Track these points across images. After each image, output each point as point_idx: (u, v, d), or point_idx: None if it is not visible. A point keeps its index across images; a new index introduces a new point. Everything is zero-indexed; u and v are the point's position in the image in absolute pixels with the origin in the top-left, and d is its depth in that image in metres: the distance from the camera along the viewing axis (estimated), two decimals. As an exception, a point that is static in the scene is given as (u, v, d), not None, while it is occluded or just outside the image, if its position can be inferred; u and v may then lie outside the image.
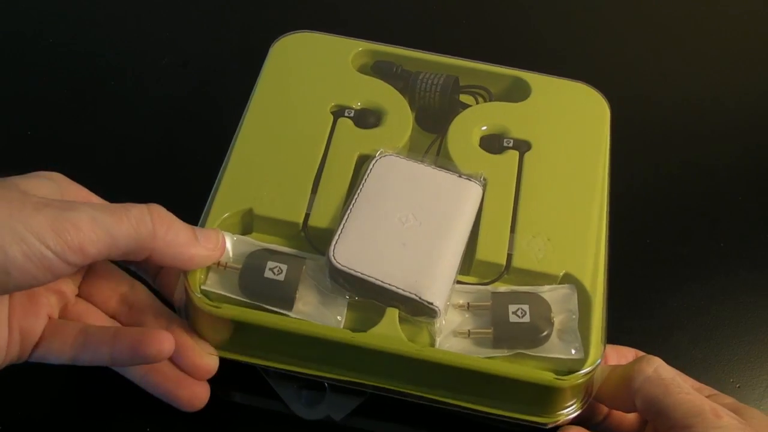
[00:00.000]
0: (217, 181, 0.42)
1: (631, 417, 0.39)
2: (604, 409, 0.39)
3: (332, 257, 0.38)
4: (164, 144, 0.55)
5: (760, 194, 0.53)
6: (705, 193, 0.53)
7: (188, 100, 0.58)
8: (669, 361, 0.40)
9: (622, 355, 0.40)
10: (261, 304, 0.37)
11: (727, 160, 0.54)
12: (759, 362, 0.45)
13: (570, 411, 0.38)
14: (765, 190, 0.53)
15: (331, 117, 0.45)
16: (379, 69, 0.49)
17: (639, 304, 0.45)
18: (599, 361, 0.37)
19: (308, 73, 0.47)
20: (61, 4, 0.64)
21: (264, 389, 0.40)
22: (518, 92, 0.48)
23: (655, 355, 0.37)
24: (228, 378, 0.38)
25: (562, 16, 0.66)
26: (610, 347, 0.40)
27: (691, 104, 0.57)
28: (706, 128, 0.56)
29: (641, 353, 0.40)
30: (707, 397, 0.36)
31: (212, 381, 0.38)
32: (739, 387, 0.45)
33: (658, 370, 0.35)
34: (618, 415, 0.39)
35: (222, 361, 0.38)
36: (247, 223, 0.41)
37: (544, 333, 0.37)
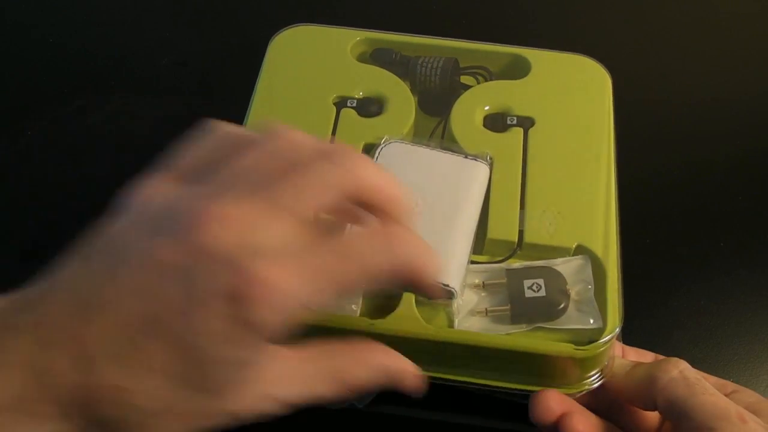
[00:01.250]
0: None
1: (649, 415, 0.39)
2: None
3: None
4: (165, 144, 0.55)
5: (760, 194, 0.53)
6: (705, 193, 0.53)
7: (189, 100, 0.58)
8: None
9: (641, 355, 0.40)
10: None
11: (727, 160, 0.54)
12: (759, 362, 0.45)
13: (593, 381, 0.38)
14: (765, 190, 0.53)
15: (334, 108, 0.45)
16: (378, 57, 0.49)
17: (639, 303, 0.45)
18: (618, 329, 0.37)
19: (308, 66, 0.48)
20: (61, 4, 0.65)
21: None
22: (518, 69, 0.48)
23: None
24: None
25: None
26: (629, 348, 0.40)
27: (690, 104, 0.57)
28: (706, 128, 0.56)
29: (661, 357, 0.40)
30: (730, 393, 0.36)
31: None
32: (739, 387, 0.45)
33: (683, 371, 0.35)
34: (634, 410, 0.39)
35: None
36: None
37: (561, 305, 0.38)
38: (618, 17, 0.65)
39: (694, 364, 0.44)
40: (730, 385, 0.38)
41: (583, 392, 0.38)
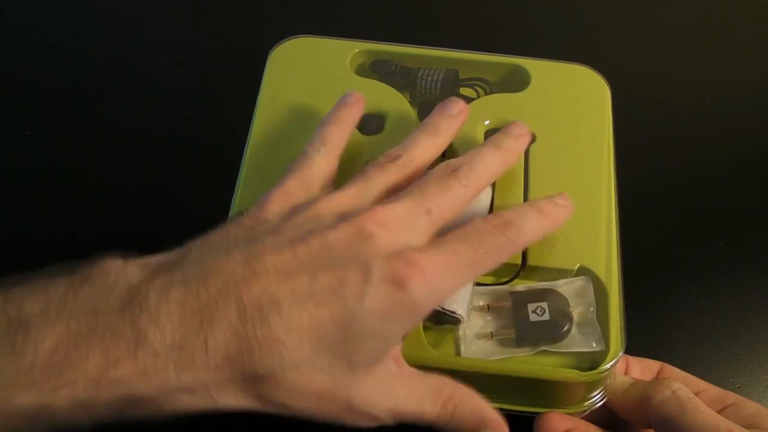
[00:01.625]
0: (233, 196, 0.43)
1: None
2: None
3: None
4: (165, 144, 0.55)
5: (760, 194, 0.53)
6: (705, 193, 0.53)
7: (188, 100, 0.58)
8: (669, 361, 0.41)
9: (647, 366, 0.41)
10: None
11: (727, 160, 0.54)
12: (759, 362, 0.46)
13: (596, 401, 0.39)
14: (765, 190, 0.53)
15: (336, 125, 0.45)
16: (377, 68, 0.49)
17: (639, 304, 0.46)
18: (621, 353, 0.38)
19: (309, 81, 0.47)
20: (61, 4, 0.64)
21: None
22: (518, 80, 0.48)
23: (656, 355, 0.38)
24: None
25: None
26: (635, 359, 0.41)
27: (690, 104, 0.57)
28: (706, 128, 0.56)
29: (668, 366, 0.41)
30: (730, 405, 0.37)
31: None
32: (739, 387, 0.46)
33: (676, 392, 0.36)
34: (634, 425, 0.40)
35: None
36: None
37: (564, 328, 0.38)
38: (616, 18, 0.65)
39: (694, 364, 0.45)
40: (731, 397, 0.39)
41: (586, 412, 0.39)
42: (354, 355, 0.31)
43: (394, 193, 0.36)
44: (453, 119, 0.40)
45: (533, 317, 0.39)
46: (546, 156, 0.44)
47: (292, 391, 0.31)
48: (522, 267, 0.41)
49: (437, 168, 0.37)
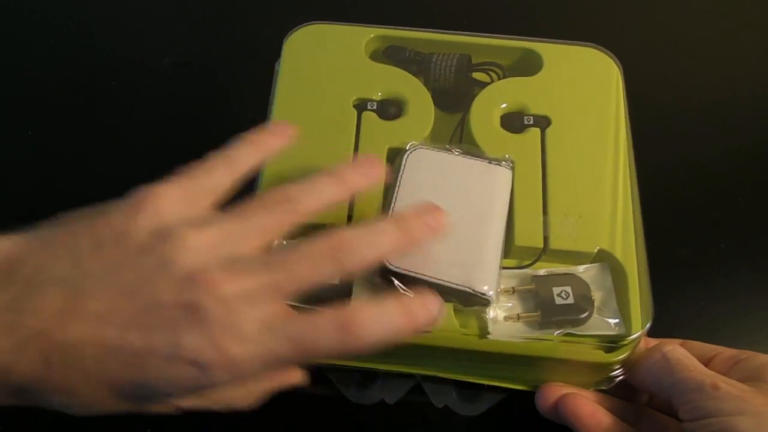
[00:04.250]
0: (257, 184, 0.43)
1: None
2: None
3: (385, 259, 0.39)
4: (166, 144, 0.55)
5: (760, 195, 0.53)
6: (705, 193, 0.53)
7: (190, 100, 0.58)
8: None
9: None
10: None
11: (727, 160, 0.54)
12: None
13: (617, 374, 0.41)
14: (765, 191, 0.53)
15: (355, 111, 0.46)
16: (391, 54, 0.49)
17: None
18: (640, 332, 0.39)
19: (326, 67, 0.48)
20: (61, 4, 0.63)
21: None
22: (530, 64, 0.49)
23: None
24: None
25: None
26: (655, 342, 0.42)
27: (690, 104, 0.57)
28: (706, 128, 0.56)
29: (689, 342, 0.42)
30: (741, 360, 0.39)
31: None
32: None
33: (666, 354, 0.38)
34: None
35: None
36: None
37: (587, 313, 0.40)
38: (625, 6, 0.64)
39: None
40: (744, 354, 0.40)
41: (611, 386, 0.41)
42: (147, 401, 0.32)
43: (272, 235, 0.33)
44: (364, 176, 0.37)
45: (558, 300, 0.40)
46: (561, 139, 0.45)
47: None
48: (543, 250, 0.42)
49: (320, 242, 0.32)
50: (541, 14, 0.63)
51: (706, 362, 0.40)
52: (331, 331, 0.30)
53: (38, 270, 0.30)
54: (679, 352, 0.39)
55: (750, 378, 0.37)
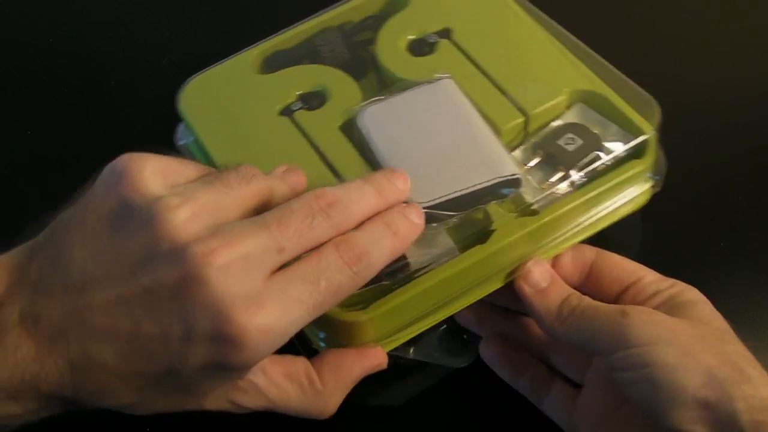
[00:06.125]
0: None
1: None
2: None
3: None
4: (167, 144, 0.52)
5: (760, 194, 0.52)
6: (705, 193, 0.52)
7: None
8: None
9: (579, 253, 0.41)
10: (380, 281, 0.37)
11: (727, 159, 0.53)
12: (759, 362, 0.43)
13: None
14: (765, 190, 0.52)
15: (286, 117, 0.45)
16: (276, 61, 0.49)
17: None
18: (653, 129, 0.42)
19: (230, 101, 0.47)
20: (60, 4, 0.64)
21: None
22: (398, 2, 0.50)
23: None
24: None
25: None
26: (567, 252, 0.41)
27: (689, 104, 0.55)
28: (706, 128, 0.55)
29: (603, 254, 0.41)
30: (670, 285, 0.38)
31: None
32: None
33: (563, 303, 0.38)
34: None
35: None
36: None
37: (600, 138, 0.41)
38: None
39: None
40: (666, 282, 0.39)
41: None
42: (188, 391, 0.32)
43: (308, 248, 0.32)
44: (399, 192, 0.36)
45: (570, 148, 0.41)
46: (472, 32, 0.47)
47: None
48: (526, 119, 0.43)
49: (306, 197, 0.32)
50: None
51: (623, 290, 0.39)
52: (340, 263, 0.31)
53: (42, 274, 0.31)
54: (577, 296, 0.38)
55: (674, 313, 0.36)
